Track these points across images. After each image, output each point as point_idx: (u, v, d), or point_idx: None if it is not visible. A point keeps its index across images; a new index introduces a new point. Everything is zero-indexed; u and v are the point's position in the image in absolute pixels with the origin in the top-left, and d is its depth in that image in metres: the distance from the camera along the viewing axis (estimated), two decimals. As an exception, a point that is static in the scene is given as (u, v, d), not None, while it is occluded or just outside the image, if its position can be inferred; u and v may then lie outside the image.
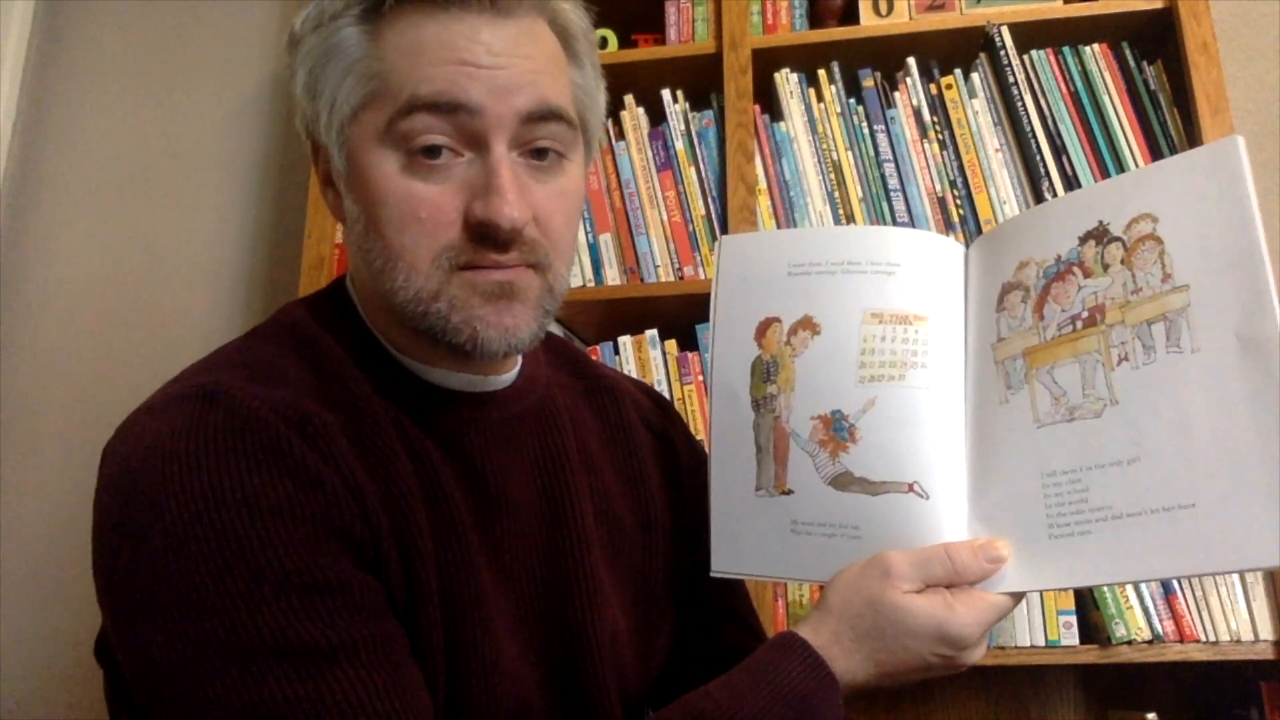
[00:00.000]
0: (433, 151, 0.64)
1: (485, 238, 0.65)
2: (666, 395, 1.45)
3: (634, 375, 1.48)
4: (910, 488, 0.66)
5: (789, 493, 0.70)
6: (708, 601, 0.86)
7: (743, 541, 0.73)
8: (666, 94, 1.57)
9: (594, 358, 1.49)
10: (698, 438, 0.95)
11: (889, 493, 0.67)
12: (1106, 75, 1.45)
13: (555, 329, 1.53)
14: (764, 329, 0.73)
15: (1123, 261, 0.63)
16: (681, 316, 1.51)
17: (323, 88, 0.67)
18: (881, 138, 1.49)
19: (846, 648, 0.65)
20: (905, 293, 0.69)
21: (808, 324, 0.71)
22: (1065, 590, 1.09)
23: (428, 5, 0.65)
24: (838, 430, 0.68)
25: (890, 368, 0.68)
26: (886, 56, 1.53)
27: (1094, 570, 0.62)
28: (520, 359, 0.78)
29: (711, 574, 0.75)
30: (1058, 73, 1.46)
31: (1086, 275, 0.65)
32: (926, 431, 0.67)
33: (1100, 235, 0.64)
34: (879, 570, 0.65)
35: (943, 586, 0.65)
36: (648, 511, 0.83)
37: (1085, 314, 0.64)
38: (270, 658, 0.56)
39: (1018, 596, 0.66)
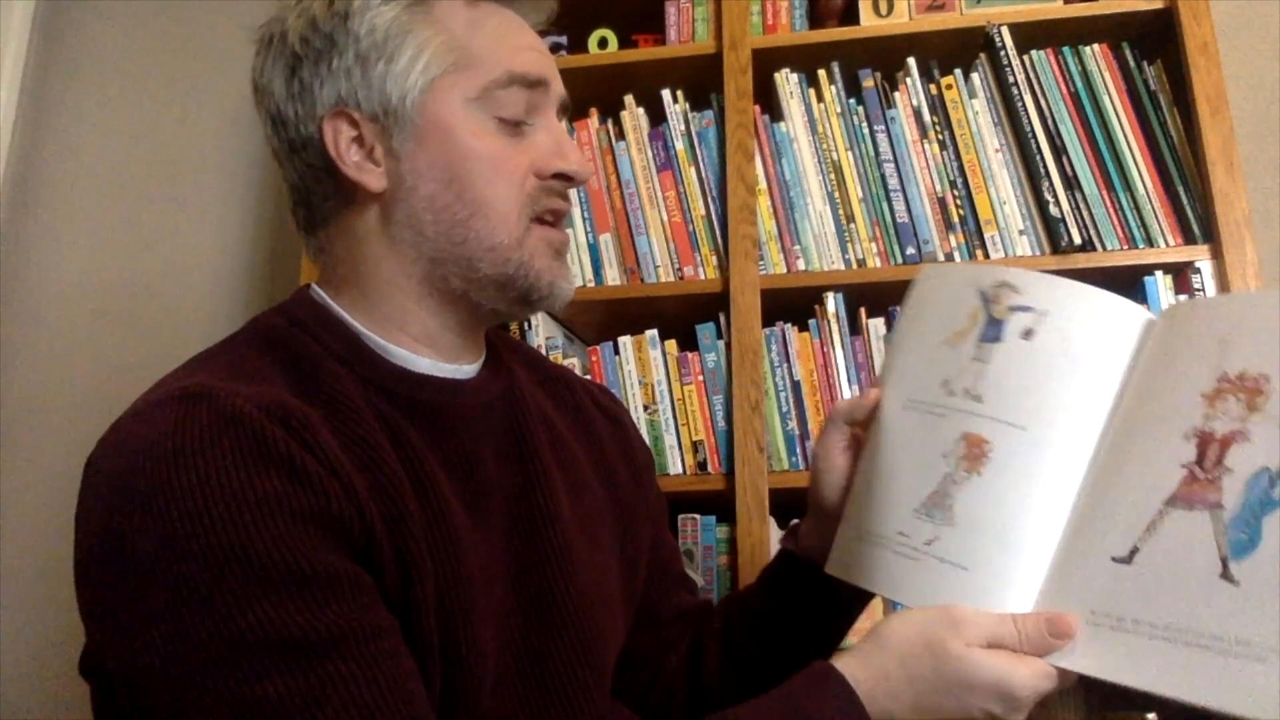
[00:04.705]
0: (518, 120, 0.75)
1: (556, 187, 0.76)
2: (667, 395, 1.46)
3: (634, 375, 1.48)
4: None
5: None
6: (666, 569, 0.94)
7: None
8: (666, 94, 1.57)
9: (594, 353, 1.50)
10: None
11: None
12: (1106, 75, 1.45)
13: (555, 329, 1.53)
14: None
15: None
16: (681, 316, 1.51)
17: (399, 57, 0.73)
18: (881, 138, 1.49)
19: (894, 688, 0.64)
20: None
21: None
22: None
23: (496, 3, 0.77)
24: None
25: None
26: (886, 56, 1.53)
27: (1155, 678, 0.63)
28: (484, 350, 0.82)
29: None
30: (1058, 73, 1.46)
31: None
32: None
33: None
34: (948, 619, 0.65)
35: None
36: (614, 483, 0.88)
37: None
38: (262, 653, 0.56)
39: (1068, 675, 0.66)
